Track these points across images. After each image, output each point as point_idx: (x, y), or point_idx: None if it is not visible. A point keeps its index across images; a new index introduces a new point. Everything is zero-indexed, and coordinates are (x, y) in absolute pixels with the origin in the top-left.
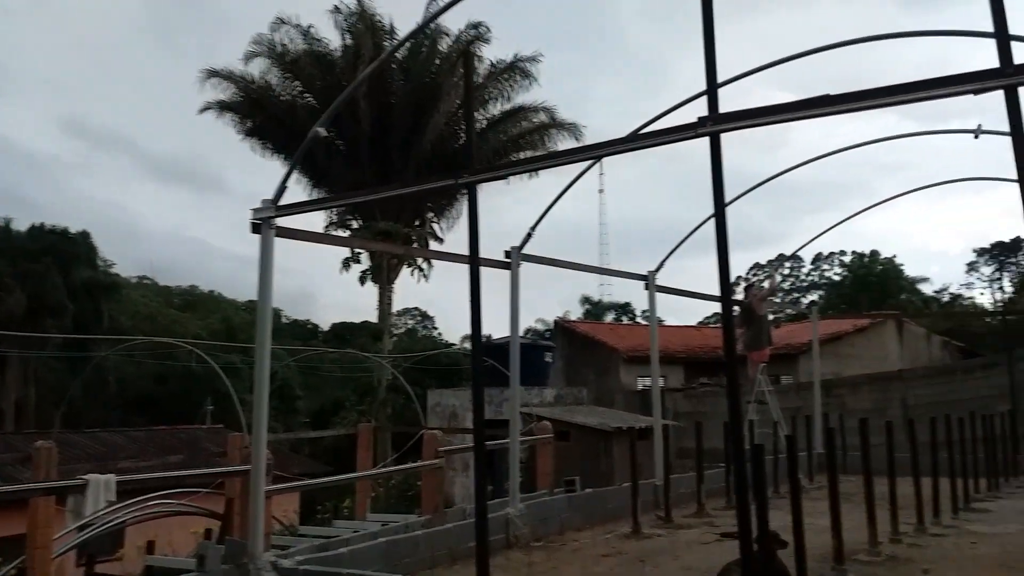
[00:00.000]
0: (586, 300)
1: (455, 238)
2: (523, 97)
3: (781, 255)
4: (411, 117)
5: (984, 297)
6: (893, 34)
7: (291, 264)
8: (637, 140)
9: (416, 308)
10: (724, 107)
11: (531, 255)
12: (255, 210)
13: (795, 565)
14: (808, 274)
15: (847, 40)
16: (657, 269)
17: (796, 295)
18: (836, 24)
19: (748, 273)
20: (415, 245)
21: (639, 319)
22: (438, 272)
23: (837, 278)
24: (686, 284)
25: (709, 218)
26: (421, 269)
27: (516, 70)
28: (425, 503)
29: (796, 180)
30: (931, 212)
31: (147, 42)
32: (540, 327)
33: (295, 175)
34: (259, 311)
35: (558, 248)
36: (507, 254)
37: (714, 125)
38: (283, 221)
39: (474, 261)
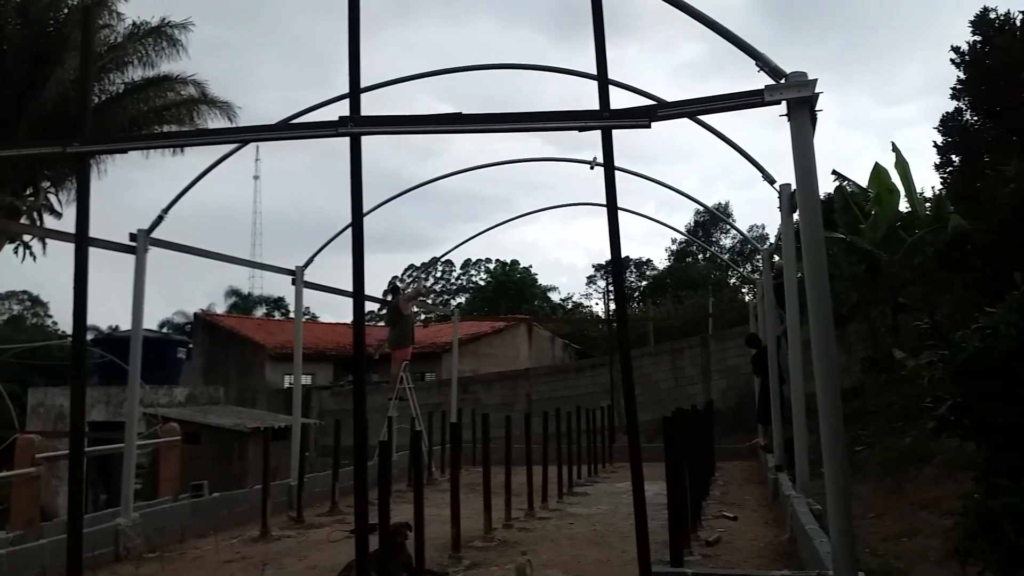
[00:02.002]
0: (234, 293)
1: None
2: (171, 66)
3: (435, 258)
4: (28, 68)
5: (599, 307)
6: (508, 64)
7: None
8: (276, 130)
9: (25, 292)
10: (387, 109)
11: (162, 240)
12: None
13: (415, 555)
14: (458, 278)
15: (485, 64)
16: (306, 264)
17: (446, 297)
18: (503, 49)
19: (404, 274)
20: (24, 220)
21: (292, 315)
22: (56, 252)
23: (483, 283)
24: (340, 281)
25: (367, 212)
26: (27, 247)
27: (162, 35)
28: (15, 517)
29: (454, 189)
30: (564, 230)
31: None
32: (181, 320)
33: None
34: None
35: (212, 236)
36: (132, 237)
37: (354, 127)
38: None
39: (82, 241)
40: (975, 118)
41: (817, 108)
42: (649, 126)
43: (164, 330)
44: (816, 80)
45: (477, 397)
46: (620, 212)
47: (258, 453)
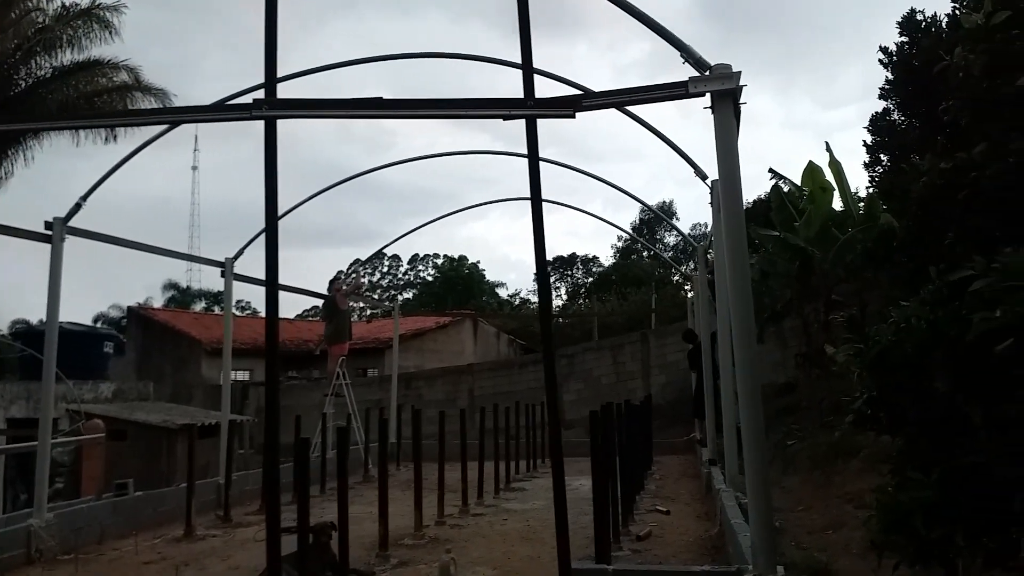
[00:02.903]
0: (173, 286)
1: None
2: (102, 51)
3: (377, 252)
4: None
5: None
6: (435, 53)
7: None
8: (188, 113)
9: None
10: (324, 95)
11: (81, 229)
12: None
13: (339, 554)
14: (405, 273)
15: (409, 54)
16: (236, 257)
17: (394, 292)
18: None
19: (349, 269)
20: None
21: (234, 310)
22: None
23: (431, 279)
24: (281, 275)
25: (291, 209)
26: None
27: (93, 17)
28: None
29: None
30: (513, 226)
31: None
32: (117, 314)
33: None
34: None
35: (150, 228)
36: (48, 225)
37: (269, 110)
38: None
39: None
40: (902, 118)
41: (741, 101)
42: (574, 116)
43: (99, 324)
44: (740, 73)
45: (420, 393)
46: (569, 210)
47: (187, 450)
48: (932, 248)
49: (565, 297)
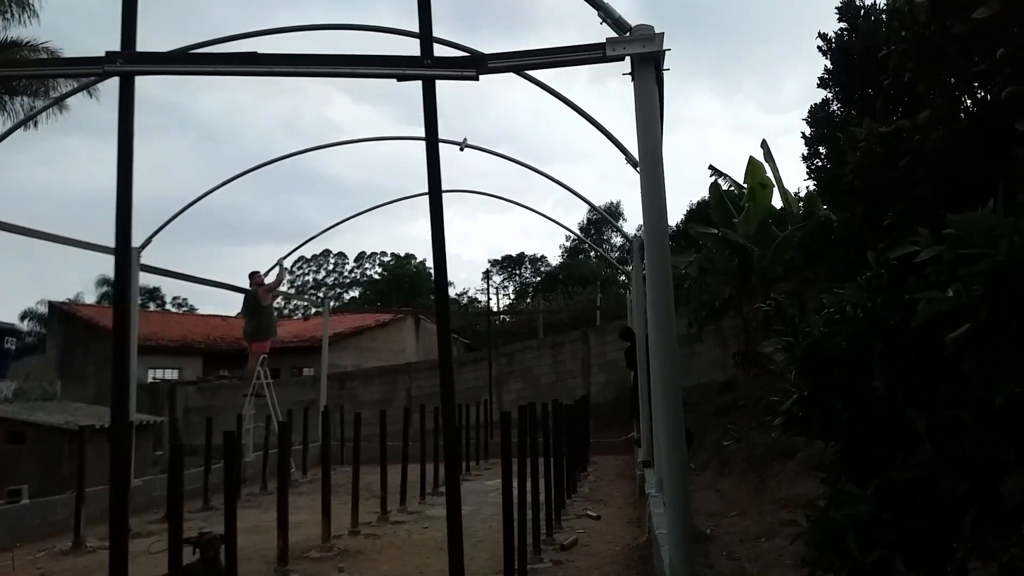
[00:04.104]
0: (106, 282)
1: None
2: (19, 32)
3: (327, 251)
4: None
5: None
6: (327, 25)
7: None
8: (30, 66)
9: None
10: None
11: None
12: None
13: (228, 569)
14: (352, 271)
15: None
16: (143, 246)
17: (339, 290)
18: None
19: (293, 265)
20: None
21: (170, 306)
22: None
23: (377, 276)
24: (218, 271)
25: (201, 197)
26: None
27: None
28: None
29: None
30: (464, 225)
31: None
32: (45, 310)
33: None
34: None
35: (86, 221)
36: None
37: (124, 64)
38: None
39: None
40: (842, 108)
41: (664, 67)
42: (477, 78)
43: (26, 321)
44: (663, 35)
45: (354, 393)
46: (521, 210)
47: (95, 454)
48: (871, 231)
49: (513, 296)
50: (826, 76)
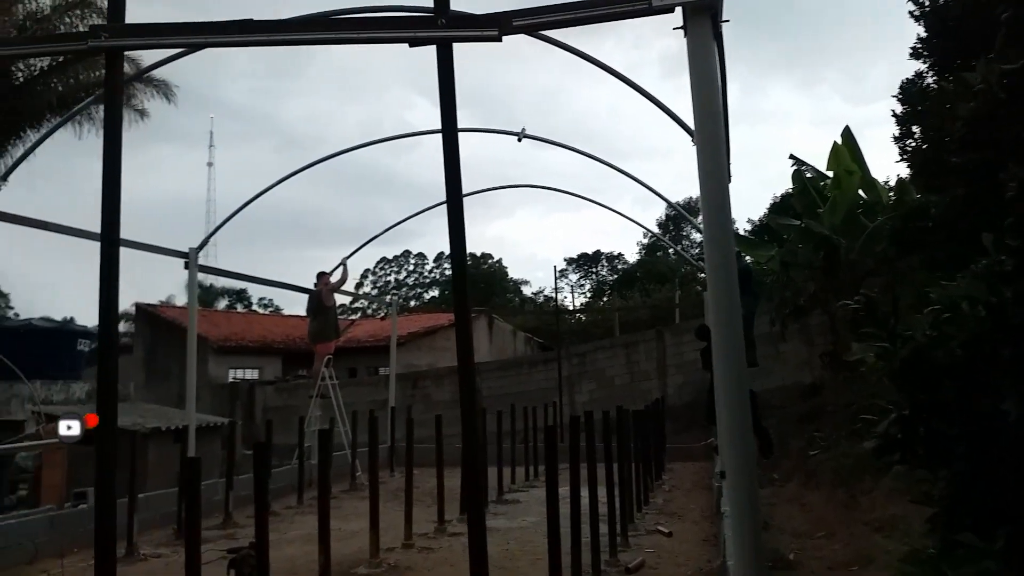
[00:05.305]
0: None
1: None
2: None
3: (407, 251)
4: None
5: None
6: None
7: None
8: (15, 44)
9: None
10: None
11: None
12: None
13: None
14: (431, 271)
15: None
16: (200, 247)
17: (419, 290)
18: None
19: (376, 266)
20: None
21: (256, 307)
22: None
23: None
24: (292, 275)
25: (256, 196)
26: None
27: (90, 6)
28: None
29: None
30: (542, 225)
31: None
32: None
33: None
34: None
35: (174, 226)
36: None
37: (110, 38)
38: None
39: None
40: (936, 79)
41: (723, 19)
42: (499, 38)
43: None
44: None
45: (427, 393)
46: (595, 207)
47: (160, 456)
48: (986, 207)
49: (589, 295)
50: (919, 45)
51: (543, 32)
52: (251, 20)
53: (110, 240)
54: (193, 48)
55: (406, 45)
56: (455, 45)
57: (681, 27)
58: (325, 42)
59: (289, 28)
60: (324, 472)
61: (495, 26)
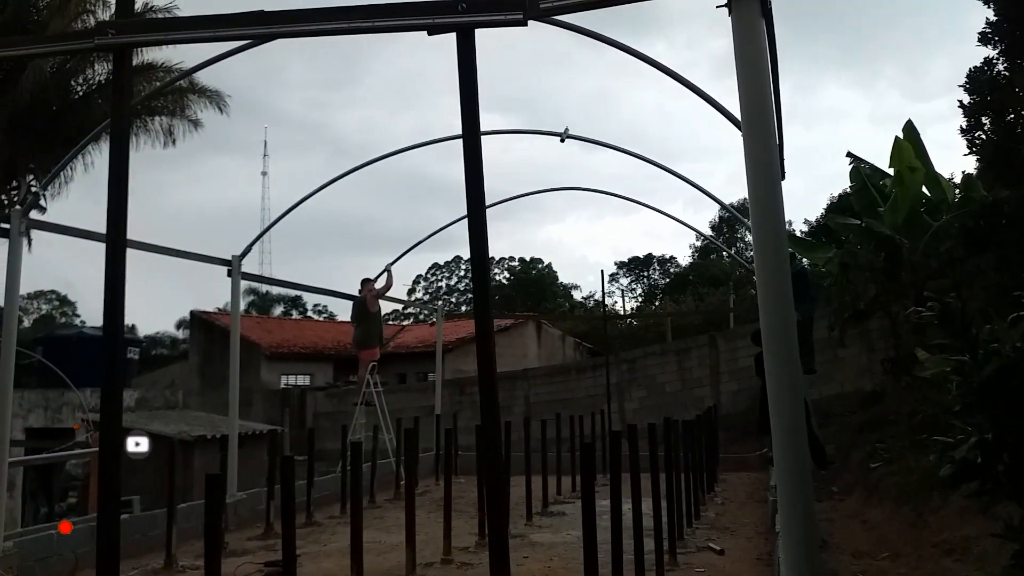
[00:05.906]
0: (252, 292)
1: (66, 207)
2: (155, 55)
3: (458, 257)
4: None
5: (619, 305)
6: None
7: None
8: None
9: (53, 292)
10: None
11: (45, 222)
12: None
13: None
14: None
15: None
16: (243, 254)
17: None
18: None
19: (427, 272)
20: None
21: (311, 314)
22: (85, 251)
23: (505, 282)
24: (336, 281)
25: (296, 205)
26: None
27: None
28: None
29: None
30: (593, 229)
31: None
32: None
33: None
34: None
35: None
36: (5, 218)
37: (117, 36)
38: None
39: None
40: (1007, 67)
41: None
42: (525, 22)
43: (180, 329)
44: None
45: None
46: (646, 210)
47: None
48: None
49: (640, 299)
50: (988, 31)
51: (594, 32)
52: (262, 11)
53: (115, 241)
54: (201, 41)
55: (437, 38)
56: (498, 48)
57: (725, 5)
58: (339, 32)
59: (301, 19)
60: (356, 487)
61: (519, 9)
